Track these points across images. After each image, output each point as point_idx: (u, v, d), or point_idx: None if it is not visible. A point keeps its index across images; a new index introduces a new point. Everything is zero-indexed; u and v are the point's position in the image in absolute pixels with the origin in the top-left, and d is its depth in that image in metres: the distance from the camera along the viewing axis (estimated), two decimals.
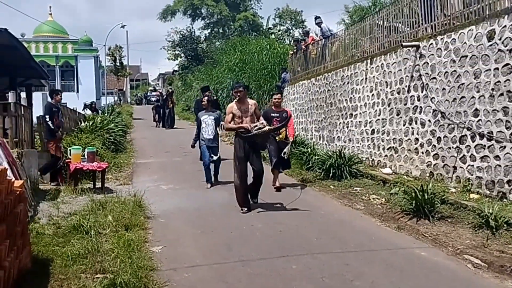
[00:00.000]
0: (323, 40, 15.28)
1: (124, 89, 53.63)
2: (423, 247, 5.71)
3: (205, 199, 8.19)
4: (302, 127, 15.79)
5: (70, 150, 9.27)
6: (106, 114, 19.72)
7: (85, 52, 39.97)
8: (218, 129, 9.62)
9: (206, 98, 10.05)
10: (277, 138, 8.96)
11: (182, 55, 38.48)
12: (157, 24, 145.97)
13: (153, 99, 38.67)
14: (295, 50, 18.34)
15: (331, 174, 9.83)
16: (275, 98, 9.43)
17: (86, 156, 9.11)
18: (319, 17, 15.73)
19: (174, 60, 39.95)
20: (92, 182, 9.47)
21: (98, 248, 5.12)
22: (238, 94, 7.47)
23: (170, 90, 25.47)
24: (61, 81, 40.08)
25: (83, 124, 14.24)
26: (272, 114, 8.99)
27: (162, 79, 65.20)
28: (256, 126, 7.21)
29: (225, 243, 5.81)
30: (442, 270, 4.95)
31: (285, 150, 8.83)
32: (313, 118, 14.97)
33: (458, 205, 6.94)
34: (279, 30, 35.83)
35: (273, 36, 33.39)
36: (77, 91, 39.02)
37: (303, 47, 16.97)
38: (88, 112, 21.18)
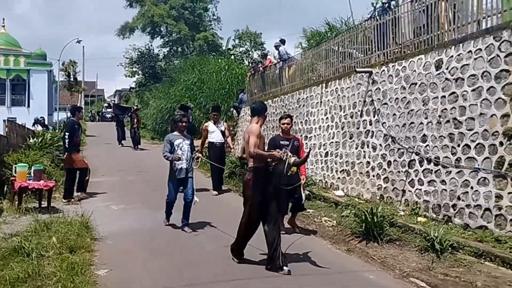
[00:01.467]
0: (281, 62, 15.53)
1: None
2: (372, 270, 5.79)
3: (156, 221, 7.99)
4: None
5: (15, 167, 8.89)
6: (57, 131, 19.07)
7: (38, 66, 38.89)
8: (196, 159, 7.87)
9: (186, 119, 8.18)
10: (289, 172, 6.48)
11: (140, 72, 38.16)
12: (115, 41, 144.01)
13: (108, 115, 37.92)
14: (252, 72, 18.54)
15: None
16: (283, 123, 7.46)
17: (32, 174, 8.75)
18: (284, 40, 15.98)
19: (131, 77, 39.58)
20: (38, 201, 9.08)
21: (39, 272, 4.91)
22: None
23: (136, 106, 24.58)
24: (12, 95, 38.82)
25: (31, 140, 13.70)
26: (282, 142, 7.24)
27: (118, 96, 64.17)
28: (287, 154, 5.67)
29: (175, 266, 5.69)
30: None
31: (302, 195, 7.14)
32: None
33: (406, 228, 7.11)
34: (239, 52, 36.16)
35: (232, 57, 33.64)
36: (28, 106, 37.82)
37: (261, 69, 17.18)
38: (39, 128, 20.43)
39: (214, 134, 11.02)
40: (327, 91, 11.65)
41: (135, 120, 20.82)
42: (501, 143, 6.58)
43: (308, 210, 9.09)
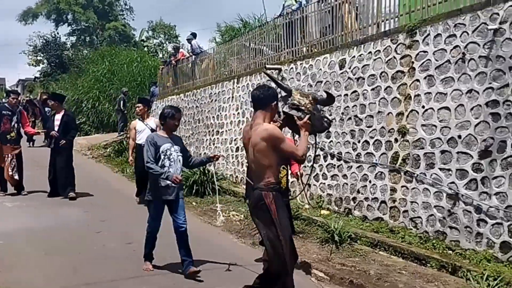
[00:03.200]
0: (193, 56, 15.37)
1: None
2: None
3: (55, 218, 7.55)
4: None
5: None
6: None
7: None
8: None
9: (179, 115, 5.59)
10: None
11: (45, 61, 35.82)
12: (17, 26, 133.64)
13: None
14: (164, 65, 18.26)
15: (194, 191, 9.81)
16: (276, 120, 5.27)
17: None
18: (195, 33, 15.83)
19: (35, 66, 37.03)
20: None
21: None
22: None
23: (28, 97, 22.62)
24: None
25: None
26: None
27: (22, 86, 59.88)
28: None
29: (71, 265, 5.41)
30: None
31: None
32: (181, 134, 14.84)
33: (310, 221, 7.37)
34: (153, 44, 35.22)
35: (146, 48, 32.72)
36: None
37: (173, 62, 16.91)
38: None
39: (143, 134, 8.72)
40: (239, 87, 11.72)
41: (31, 113, 19.41)
42: (396, 140, 7.02)
43: (217, 204, 9.08)
